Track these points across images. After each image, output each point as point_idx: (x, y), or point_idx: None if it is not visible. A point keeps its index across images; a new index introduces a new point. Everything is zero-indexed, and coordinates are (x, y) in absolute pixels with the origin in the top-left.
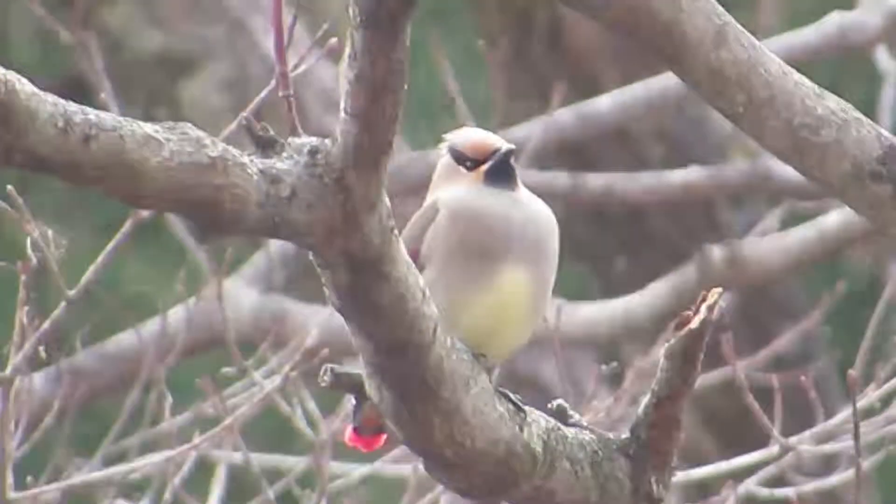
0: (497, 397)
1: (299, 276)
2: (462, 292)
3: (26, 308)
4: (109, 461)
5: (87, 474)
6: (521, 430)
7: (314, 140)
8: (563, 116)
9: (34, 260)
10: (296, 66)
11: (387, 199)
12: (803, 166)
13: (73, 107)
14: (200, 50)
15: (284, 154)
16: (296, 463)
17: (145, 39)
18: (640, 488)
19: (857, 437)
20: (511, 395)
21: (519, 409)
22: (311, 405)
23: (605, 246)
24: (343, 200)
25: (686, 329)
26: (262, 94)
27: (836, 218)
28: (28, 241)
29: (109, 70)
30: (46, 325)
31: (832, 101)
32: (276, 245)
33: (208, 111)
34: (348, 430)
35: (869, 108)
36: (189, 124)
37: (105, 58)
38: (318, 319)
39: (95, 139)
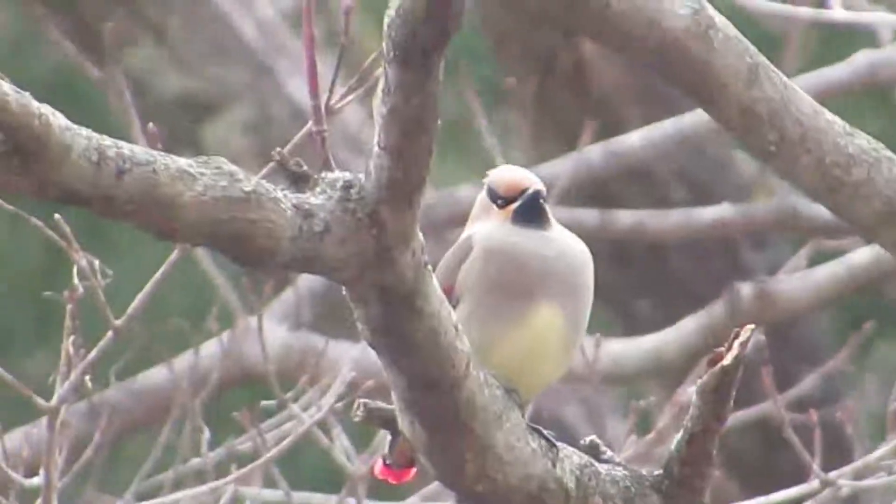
0: (529, 433)
1: (327, 313)
2: (495, 328)
3: (72, 337)
4: (143, 498)
5: None
6: (554, 465)
7: (348, 175)
8: (592, 154)
9: (80, 289)
10: (328, 102)
11: (420, 235)
12: (835, 205)
13: (106, 140)
14: (223, 92)
15: (318, 189)
16: (332, 499)
17: (168, 81)
18: None
19: None
20: (543, 431)
21: (552, 444)
22: (345, 441)
23: (627, 287)
24: (377, 235)
25: (719, 366)
26: (301, 133)
27: (866, 254)
28: (74, 269)
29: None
30: (93, 354)
31: (863, 140)
32: (304, 282)
33: (231, 154)
34: (378, 463)
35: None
36: (223, 159)
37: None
38: (351, 356)
39: (129, 173)
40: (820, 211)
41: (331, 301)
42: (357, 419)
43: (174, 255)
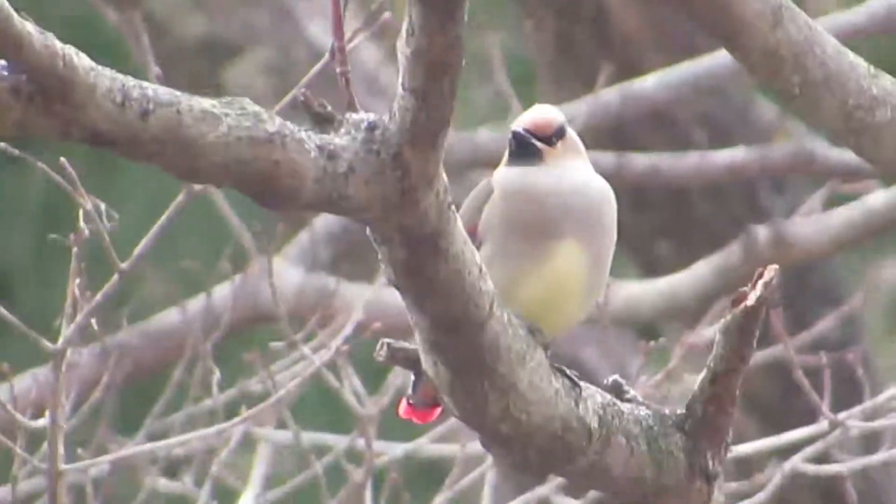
0: (553, 372)
1: (344, 255)
2: (518, 268)
3: (78, 280)
4: (154, 438)
5: (131, 449)
6: (577, 405)
7: (372, 116)
8: (608, 96)
9: (86, 232)
10: (348, 41)
11: (444, 176)
12: (858, 147)
13: (131, 81)
14: (244, 35)
15: (342, 130)
16: (342, 440)
17: (189, 25)
18: (695, 464)
19: None
20: (567, 371)
21: (575, 384)
22: (357, 382)
23: (645, 229)
24: (401, 176)
25: (742, 305)
26: (316, 68)
27: (882, 197)
28: (80, 212)
29: (153, 55)
30: (99, 297)
31: (887, 81)
32: (320, 223)
33: (252, 96)
34: (403, 403)
35: None
36: (247, 100)
37: (150, 44)
38: (364, 297)
39: (153, 114)
40: (836, 154)
41: (347, 242)
42: (380, 359)
43: (180, 198)
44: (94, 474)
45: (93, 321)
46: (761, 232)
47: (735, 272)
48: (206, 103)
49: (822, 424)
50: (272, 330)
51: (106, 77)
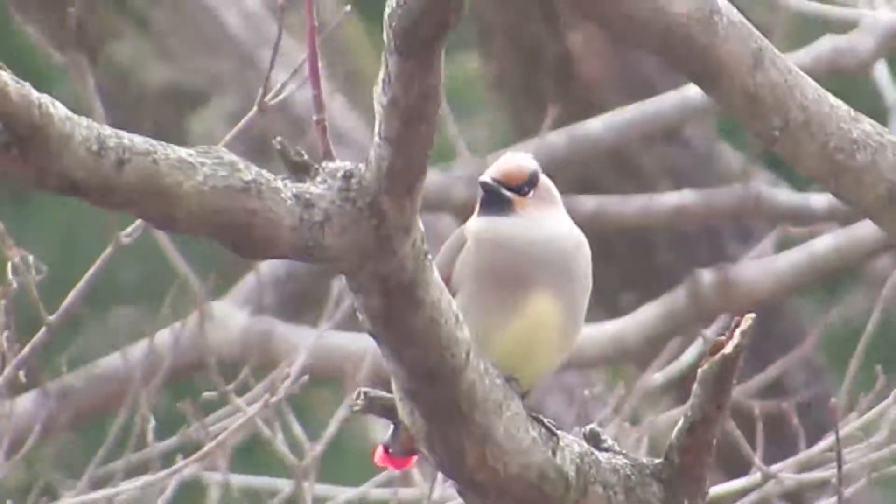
0: (530, 421)
1: (290, 298)
2: (491, 319)
3: (6, 333)
4: (96, 485)
5: (74, 497)
6: (554, 454)
7: (348, 164)
8: (555, 139)
9: (14, 284)
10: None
11: (420, 225)
12: (838, 189)
13: (107, 130)
14: (208, 83)
15: (318, 179)
16: (279, 485)
17: (153, 73)
18: None
19: (839, 465)
20: (544, 420)
21: (552, 433)
22: (297, 429)
23: (612, 280)
24: (377, 225)
25: (720, 354)
26: (248, 116)
27: (828, 242)
28: (8, 265)
29: (117, 104)
30: (27, 350)
31: (867, 125)
32: (266, 266)
33: (216, 143)
34: (379, 450)
35: None
36: (223, 148)
37: (113, 92)
38: (307, 342)
39: (129, 163)
40: (784, 197)
41: (293, 286)
42: (356, 409)
43: (108, 251)
44: None
45: (20, 374)
46: (706, 275)
47: (681, 315)
48: (183, 152)
49: (756, 476)
50: (223, 373)
51: (82, 126)
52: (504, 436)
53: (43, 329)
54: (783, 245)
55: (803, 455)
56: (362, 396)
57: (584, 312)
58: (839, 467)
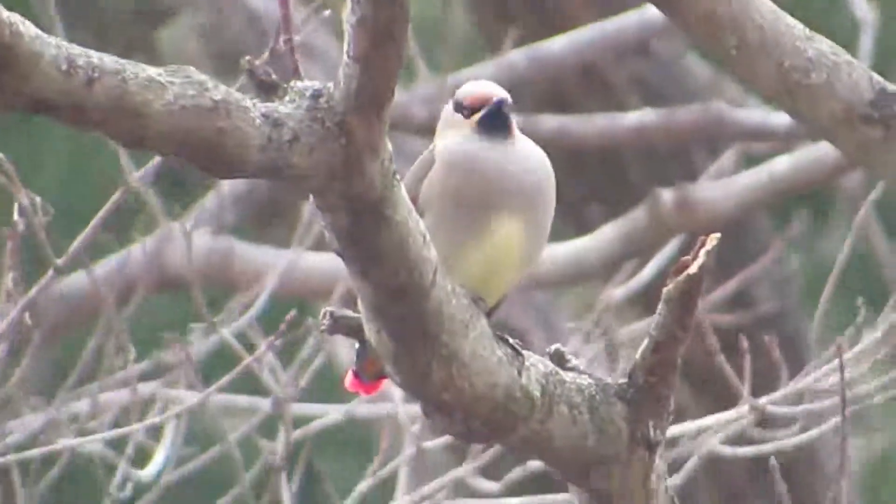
0: (496, 341)
1: (251, 217)
2: (457, 240)
3: (12, 274)
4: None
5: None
6: (520, 374)
7: (316, 84)
8: (516, 57)
9: (21, 226)
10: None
11: (389, 144)
12: (794, 109)
13: (76, 49)
14: None
15: (287, 98)
16: (259, 403)
17: None
18: (637, 433)
19: (843, 404)
20: (510, 340)
21: (517, 353)
22: (269, 356)
23: (579, 192)
24: (345, 144)
25: (684, 274)
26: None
27: (787, 162)
28: (15, 206)
29: (86, 20)
30: (33, 292)
31: (823, 44)
32: (227, 186)
33: (186, 59)
34: (348, 375)
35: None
36: (192, 68)
37: (82, 7)
38: (273, 262)
39: (98, 81)
40: (744, 115)
41: (254, 205)
42: (323, 329)
43: (116, 196)
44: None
45: (26, 316)
46: (666, 195)
47: (641, 235)
48: (152, 71)
49: (744, 409)
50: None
51: (51, 45)
52: (470, 355)
53: (50, 271)
54: (748, 164)
55: (791, 387)
56: (328, 316)
57: (547, 233)
58: (843, 409)
